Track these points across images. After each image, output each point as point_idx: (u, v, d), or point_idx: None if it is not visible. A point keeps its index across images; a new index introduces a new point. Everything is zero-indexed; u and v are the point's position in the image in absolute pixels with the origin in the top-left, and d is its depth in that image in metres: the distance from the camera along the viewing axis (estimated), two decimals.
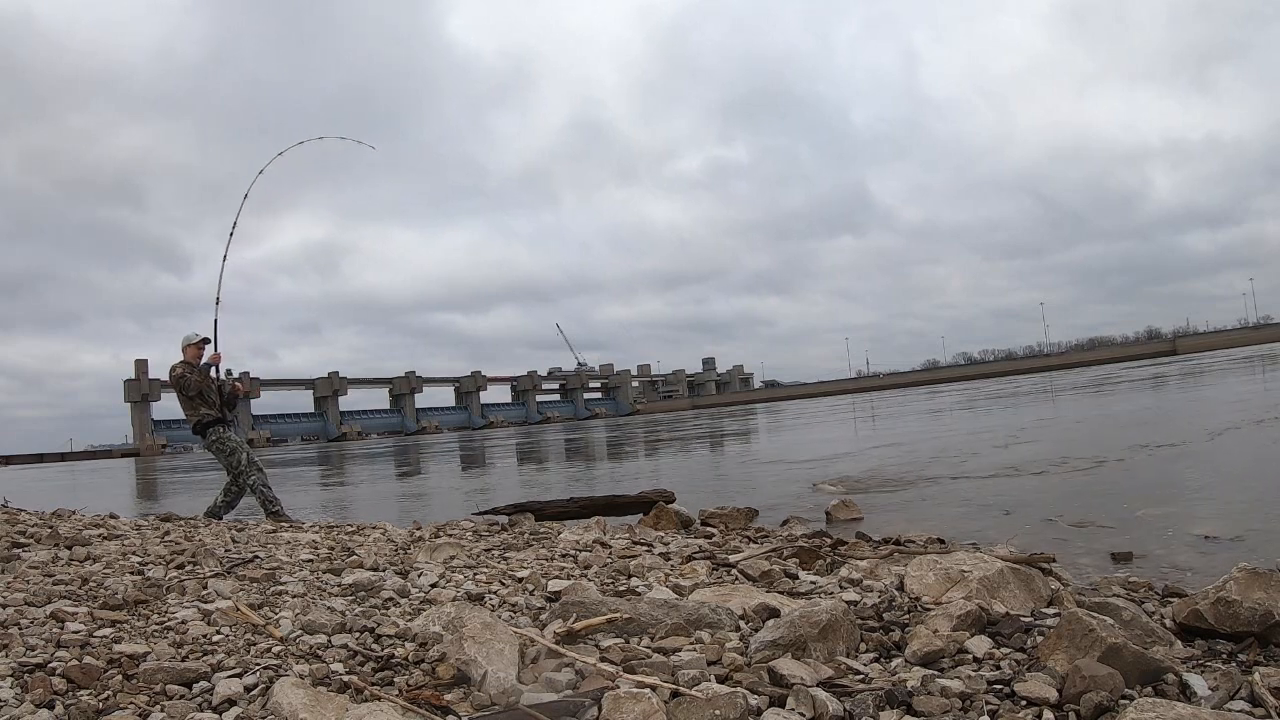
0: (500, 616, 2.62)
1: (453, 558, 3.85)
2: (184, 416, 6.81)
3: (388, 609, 2.76)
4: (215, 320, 7.06)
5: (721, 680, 1.97)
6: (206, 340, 6.85)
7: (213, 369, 6.82)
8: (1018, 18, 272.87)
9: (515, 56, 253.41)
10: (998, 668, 2.03)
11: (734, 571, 3.50)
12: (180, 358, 6.81)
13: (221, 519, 6.41)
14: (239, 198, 7.88)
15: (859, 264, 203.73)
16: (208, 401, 6.74)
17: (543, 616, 2.68)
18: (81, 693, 1.89)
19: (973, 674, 1.97)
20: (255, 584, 3.08)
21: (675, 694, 1.83)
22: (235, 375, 7.14)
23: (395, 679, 2.05)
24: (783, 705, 1.80)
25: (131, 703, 1.85)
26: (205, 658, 2.15)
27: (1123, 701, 1.74)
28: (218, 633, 2.38)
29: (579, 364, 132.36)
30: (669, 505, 5.97)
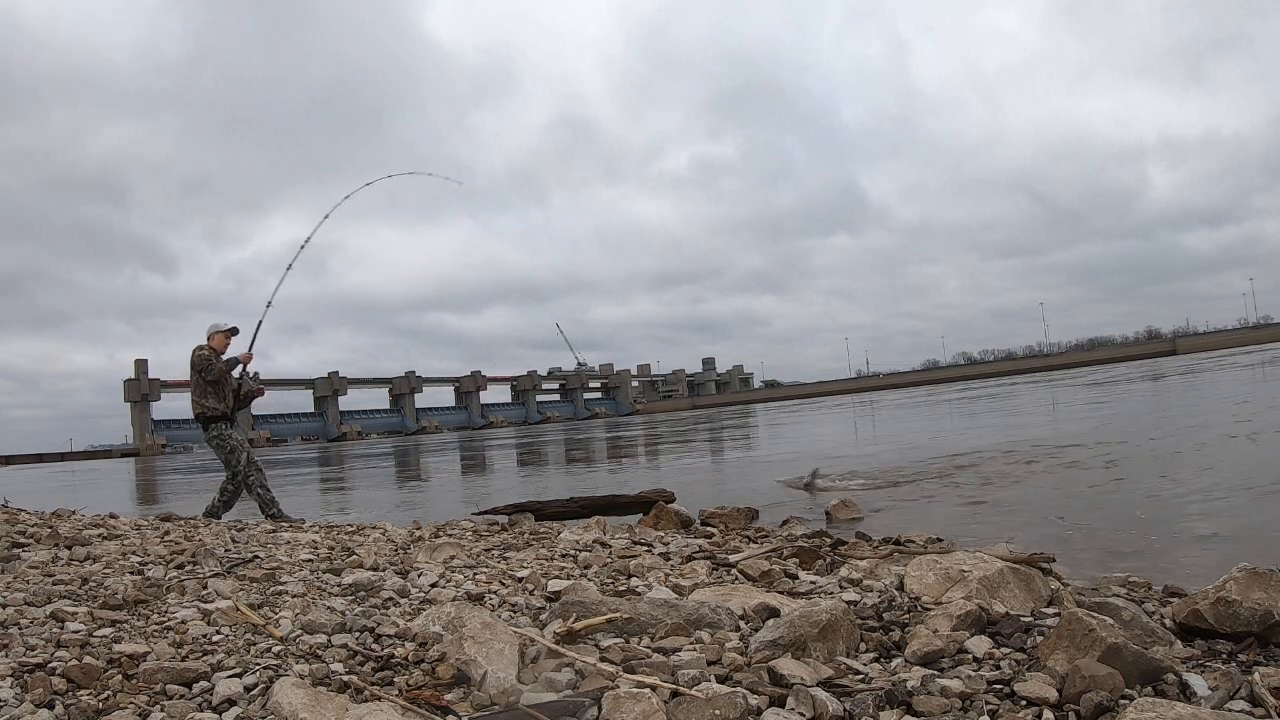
0: (500, 616, 2.62)
1: (453, 557, 3.85)
2: (190, 402, 6.68)
3: (388, 609, 2.76)
4: (260, 323, 7.09)
5: (721, 680, 1.97)
6: (235, 331, 6.77)
7: (240, 366, 6.77)
8: (1007, 9, 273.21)
9: (495, 54, 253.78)
10: (998, 668, 2.03)
11: (734, 571, 3.50)
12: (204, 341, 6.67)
13: (220, 518, 6.40)
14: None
15: (854, 263, 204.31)
16: (221, 395, 6.66)
17: (543, 616, 2.68)
18: (81, 693, 1.89)
19: (973, 674, 1.96)
20: (255, 584, 3.08)
21: (675, 694, 1.83)
22: (256, 378, 7.14)
23: (395, 679, 2.05)
24: (783, 705, 1.80)
25: (131, 703, 1.84)
26: (205, 658, 2.15)
27: (1123, 701, 1.74)
28: (218, 633, 2.37)
29: (579, 364, 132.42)
30: (669, 505, 5.97)
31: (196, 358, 6.59)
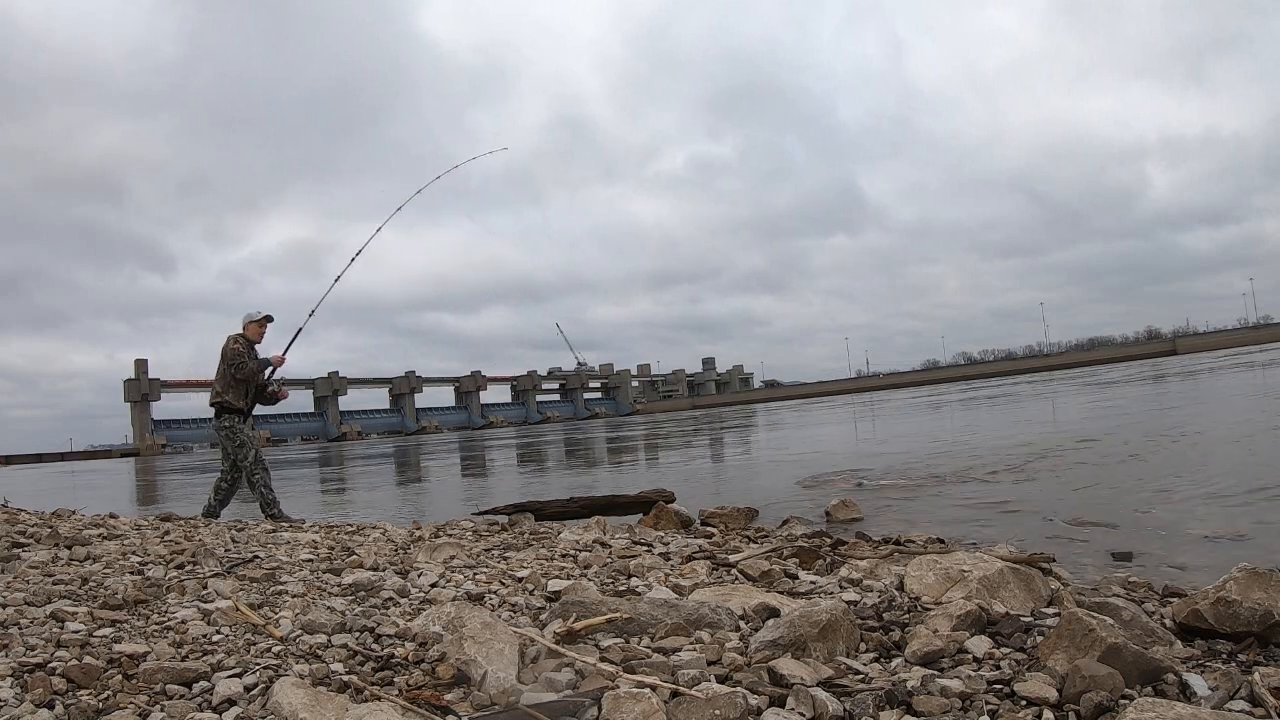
0: (500, 616, 2.62)
1: (453, 557, 3.85)
2: (211, 390, 6.64)
3: (388, 609, 2.76)
4: (300, 330, 7.08)
5: (721, 680, 1.97)
6: (269, 319, 6.75)
7: (271, 370, 6.75)
8: (1007, 9, 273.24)
9: (492, 53, 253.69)
10: (998, 668, 2.03)
11: (734, 571, 3.50)
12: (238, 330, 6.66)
13: (219, 518, 6.39)
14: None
15: (853, 263, 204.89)
16: (242, 393, 6.62)
17: (543, 616, 2.68)
18: (81, 692, 1.89)
19: (973, 674, 1.96)
20: (255, 584, 3.08)
21: (675, 694, 1.83)
22: (279, 382, 7.12)
23: (395, 679, 2.05)
24: (783, 705, 1.80)
25: (131, 702, 1.84)
26: (205, 657, 2.15)
27: (1123, 701, 1.74)
28: (218, 632, 2.38)
29: (579, 364, 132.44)
30: (669, 505, 5.97)
31: (230, 351, 6.54)
